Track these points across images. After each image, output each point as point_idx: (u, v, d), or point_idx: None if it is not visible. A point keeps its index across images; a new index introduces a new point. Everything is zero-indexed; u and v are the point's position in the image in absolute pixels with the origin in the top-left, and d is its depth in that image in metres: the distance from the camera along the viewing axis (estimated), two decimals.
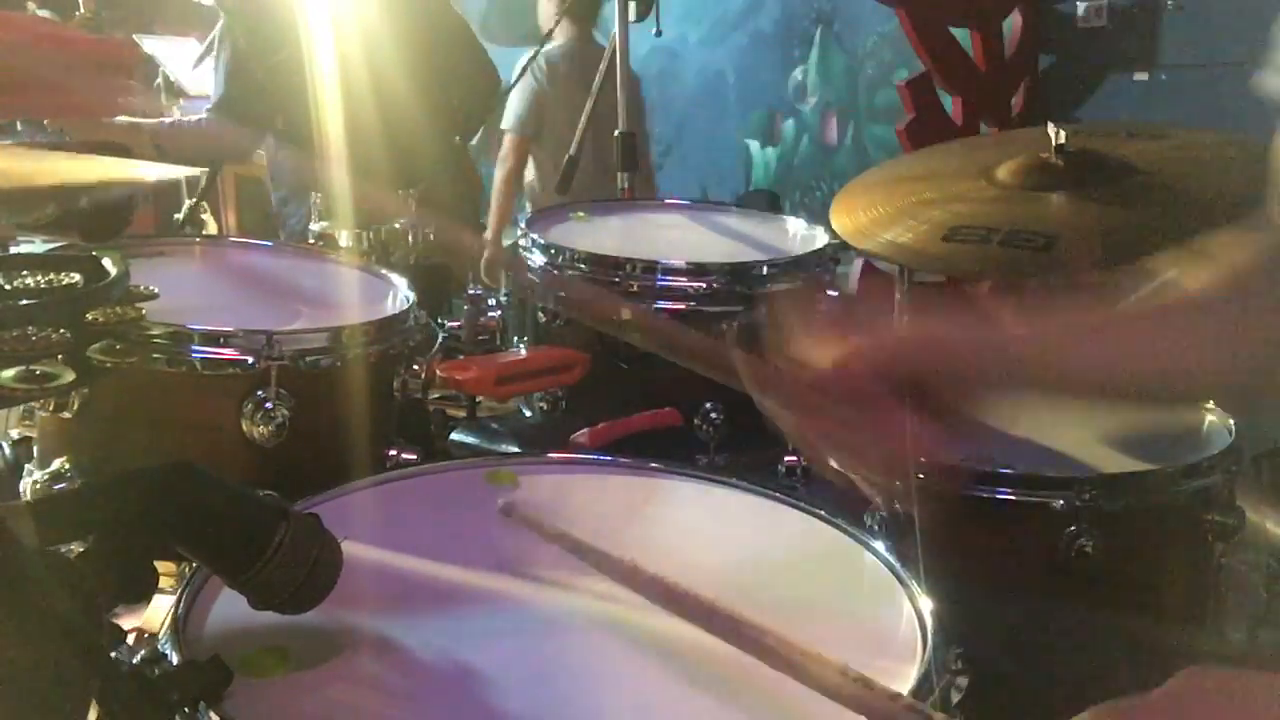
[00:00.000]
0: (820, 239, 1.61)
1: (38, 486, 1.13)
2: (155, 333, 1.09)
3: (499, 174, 3.83)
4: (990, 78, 3.60)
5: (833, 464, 0.88)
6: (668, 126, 5.28)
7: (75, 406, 1.09)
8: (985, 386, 0.88)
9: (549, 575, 0.89)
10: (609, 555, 0.85)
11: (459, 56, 2.83)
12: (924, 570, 0.88)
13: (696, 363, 1.03)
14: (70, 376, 0.69)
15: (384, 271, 1.45)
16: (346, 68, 2.00)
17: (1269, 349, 0.85)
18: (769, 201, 4.47)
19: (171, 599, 0.81)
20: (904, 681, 0.74)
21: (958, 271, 2.71)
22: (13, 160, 0.70)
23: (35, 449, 1.21)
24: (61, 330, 0.69)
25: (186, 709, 0.67)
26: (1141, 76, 3.56)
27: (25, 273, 0.73)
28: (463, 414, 1.64)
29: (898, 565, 0.90)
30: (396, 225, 1.62)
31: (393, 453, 1.23)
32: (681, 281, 1.43)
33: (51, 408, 1.12)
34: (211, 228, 3.24)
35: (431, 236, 1.64)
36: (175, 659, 0.73)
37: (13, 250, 1.00)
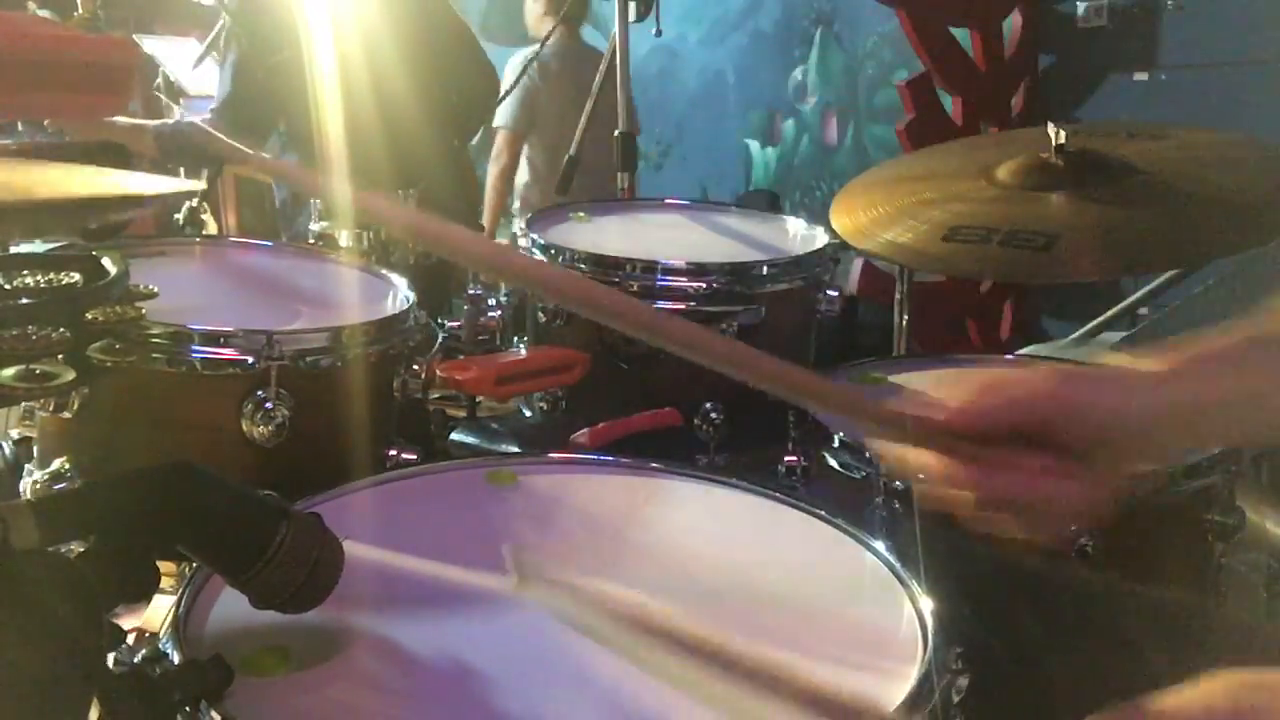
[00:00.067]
0: (820, 239, 1.61)
1: (38, 486, 1.13)
2: (155, 332, 1.09)
3: (493, 170, 3.86)
4: (990, 78, 3.60)
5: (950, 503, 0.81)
6: (668, 126, 5.29)
7: (75, 406, 1.09)
8: (1132, 431, 0.80)
9: (548, 575, 0.89)
10: None
11: (459, 57, 2.83)
12: (924, 570, 0.88)
13: (813, 402, 0.97)
14: (70, 376, 0.69)
15: (384, 271, 1.45)
16: (346, 68, 2.00)
17: None
18: (769, 201, 4.47)
19: (172, 599, 0.81)
20: (904, 681, 0.75)
21: (958, 271, 2.72)
22: (14, 174, 0.70)
23: (35, 449, 1.21)
24: (61, 329, 0.69)
25: (188, 708, 0.67)
26: (1141, 76, 3.56)
27: (25, 272, 0.73)
28: (463, 414, 1.64)
29: (898, 565, 0.90)
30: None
31: (393, 453, 1.23)
32: (681, 281, 1.43)
33: (51, 407, 1.12)
34: (211, 228, 3.23)
35: None
36: (176, 658, 0.73)
37: (13, 250, 1.00)
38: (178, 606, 0.79)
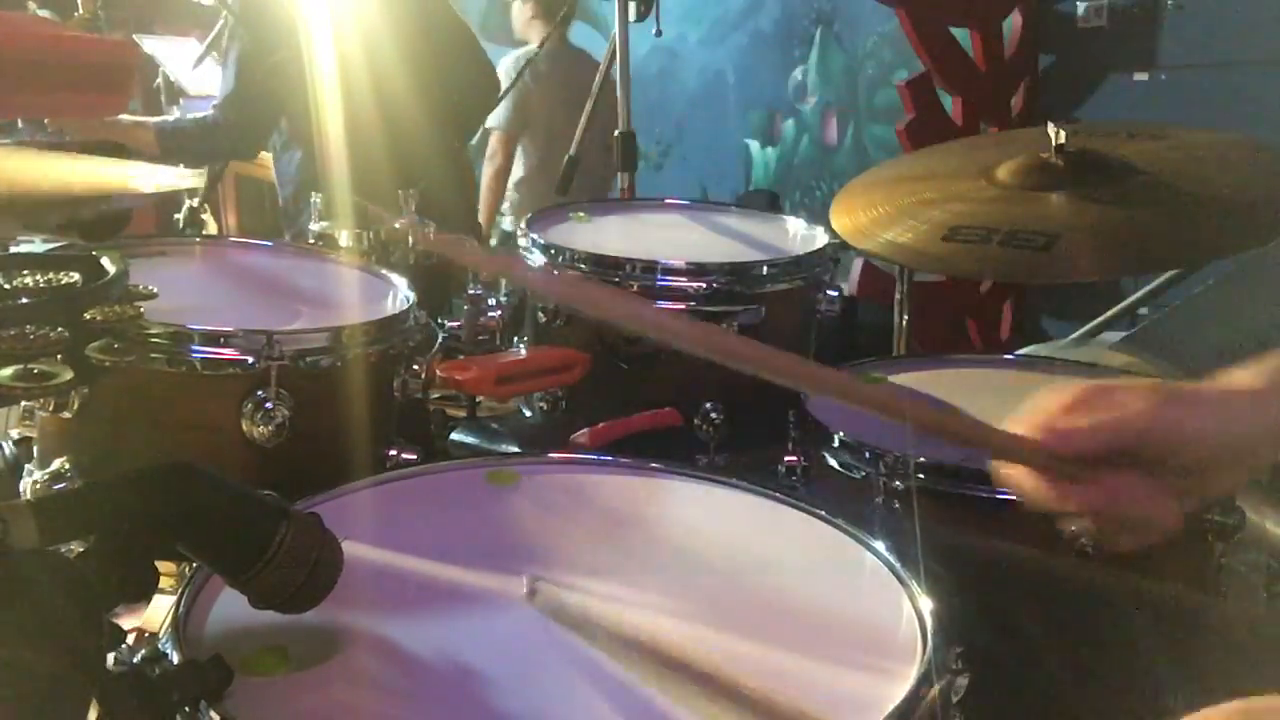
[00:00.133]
0: (820, 239, 1.61)
1: (38, 486, 1.13)
2: (155, 332, 1.09)
3: (488, 171, 3.89)
4: (990, 78, 3.60)
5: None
6: (668, 126, 5.29)
7: (75, 406, 1.09)
8: (1230, 452, 0.81)
9: (548, 575, 0.89)
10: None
11: (459, 57, 2.83)
12: (924, 570, 0.88)
13: (898, 418, 0.96)
14: (69, 375, 0.69)
15: (384, 271, 1.45)
16: (346, 68, 2.00)
17: None
18: (769, 201, 4.47)
19: (172, 599, 0.81)
20: (904, 681, 0.75)
21: (958, 271, 2.72)
22: (15, 164, 0.70)
23: (35, 449, 1.21)
24: (60, 329, 0.69)
25: (187, 708, 0.67)
26: (1141, 76, 3.56)
27: (24, 272, 0.73)
28: (463, 414, 1.63)
29: (898, 565, 0.90)
30: (396, 225, 1.62)
31: (393, 453, 1.23)
32: (681, 281, 1.43)
33: (51, 407, 1.12)
34: (212, 228, 3.24)
35: (431, 236, 1.63)
36: (176, 658, 0.73)
37: (13, 250, 1.00)
38: (177, 606, 0.79)
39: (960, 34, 3.57)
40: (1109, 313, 3.12)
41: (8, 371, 0.67)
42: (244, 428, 1.12)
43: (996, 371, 1.55)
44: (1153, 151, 1.54)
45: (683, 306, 1.41)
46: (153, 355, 1.09)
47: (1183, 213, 1.42)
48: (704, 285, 1.42)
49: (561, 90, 3.77)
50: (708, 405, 1.41)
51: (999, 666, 0.88)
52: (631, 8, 2.32)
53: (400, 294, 1.36)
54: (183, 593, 0.81)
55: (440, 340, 1.35)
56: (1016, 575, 1.16)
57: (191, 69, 3.34)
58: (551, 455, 1.15)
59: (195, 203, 2.54)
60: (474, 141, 3.83)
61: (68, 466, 1.12)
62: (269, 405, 1.11)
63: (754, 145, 5.05)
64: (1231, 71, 3.31)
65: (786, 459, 1.25)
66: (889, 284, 2.15)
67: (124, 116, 2.48)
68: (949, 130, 3.43)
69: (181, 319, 1.11)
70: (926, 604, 0.84)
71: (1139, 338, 2.65)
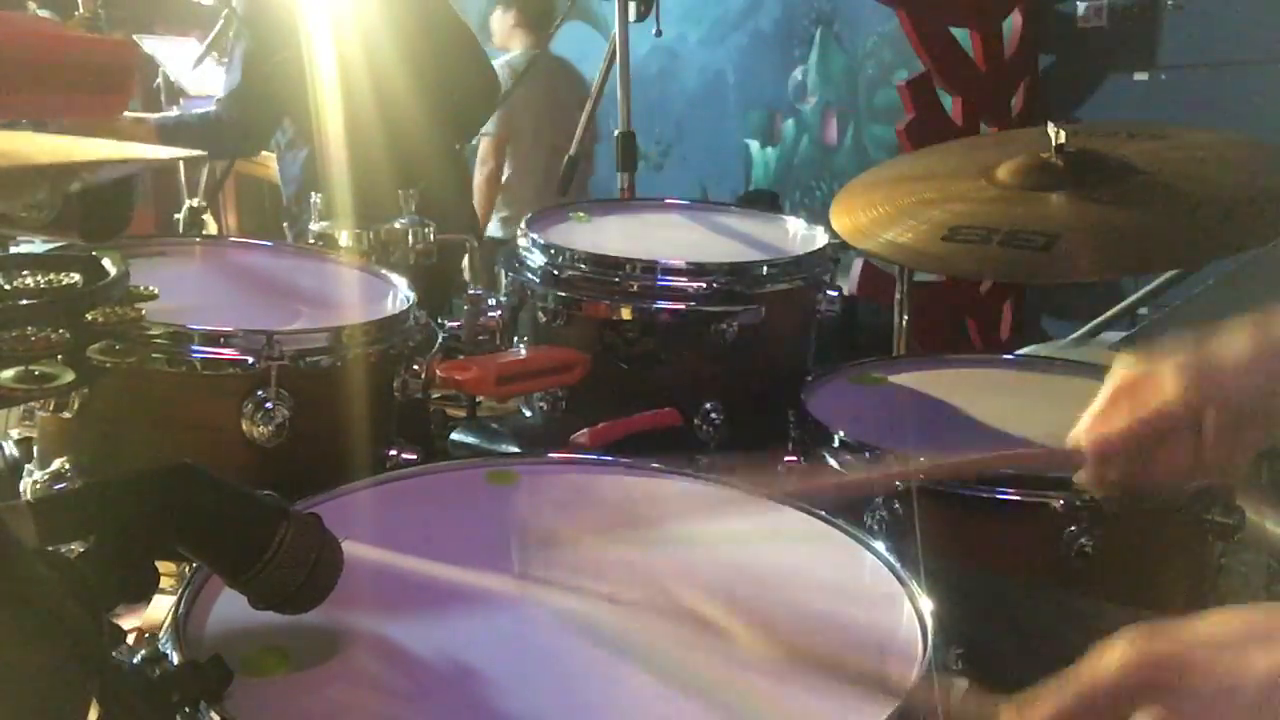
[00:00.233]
0: (820, 239, 1.61)
1: (38, 486, 1.13)
2: (155, 333, 1.09)
3: (480, 175, 3.95)
4: (990, 78, 3.60)
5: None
6: (668, 126, 5.29)
7: (75, 406, 1.09)
8: (1264, 414, 0.89)
9: (549, 575, 0.89)
10: None
11: (459, 57, 2.83)
12: (924, 570, 0.88)
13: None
14: (70, 376, 0.69)
15: (384, 271, 1.45)
16: (347, 68, 2.00)
17: None
18: (769, 201, 4.47)
19: (171, 599, 0.81)
20: (904, 682, 0.75)
21: (958, 271, 2.72)
22: (8, 141, 0.70)
23: (35, 449, 1.21)
24: (61, 330, 0.69)
25: (187, 709, 0.67)
26: (1141, 76, 3.57)
27: (25, 273, 0.73)
28: (463, 414, 1.63)
29: (898, 565, 0.90)
30: (396, 225, 1.62)
31: (393, 453, 1.23)
32: (681, 281, 1.43)
33: (51, 408, 1.12)
34: (212, 228, 3.24)
35: (431, 236, 1.64)
36: (175, 659, 0.73)
37: (13, 250, 1.00)
38: (178, 607, 0.79)
39: (960, 34, 3.57)
40: (1109, 313, 3.12)
41: (9, 373, 0.67)
42: (244, 428, 1.12)
43: (996, 371, 1.55)
44: (1153, 151, 1.54)
45: (683, 306, 1.41)
46: (153, 356, 1.09)
47: (1183, 213, 1.42)
48: (704, 285, 1.42)
49: (544, 98, 3.83)
50: (708, 405, 1.41)
51: (999, 667, 0.88)
52: (631, 8, 2.32)
53: (400, 294, 1.36)
54: (183, 593, 0.81)
55: (440, 340, 1.35)
56: (1016, 575, 1.16)
57: (191, 69, 3.34)
58: (551, 455, 1.15)
59: (196, 202, 2.54)
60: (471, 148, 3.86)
61: (68, 466, 1.12)
62: (269, 405, 1.11)
63: (754, 145, 5.05)
64: (1231, 71, 3.31)
65: (786, 459, 1.25)
66: (889, 284, 2.15)
67: (125, 113, 2.48)
68: (949, 130, 3.43)
69: (181, 319, 1.11)
70: (926, 604, 0.84)
71: (1139, 338, 2.65)
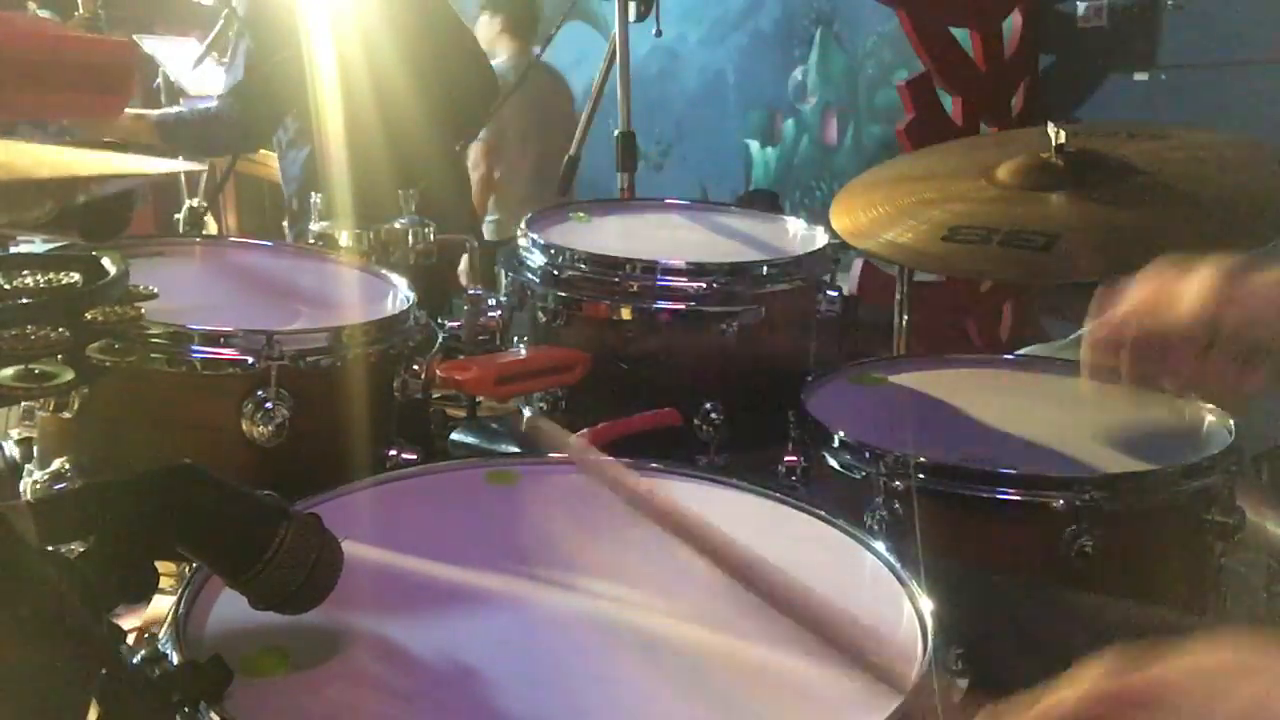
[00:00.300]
0: (820, 239, 1.61)
1: (38, 486, 1.13)
2: (155, 332, 1.09)
3: (473, 178, 3.96)
4: (990, 78, 3.60)
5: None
6: (668, 126, 5.29)
7: (75, 406, 1.09)
8: None
9: (549, 575, 0.89)
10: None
11: (459, 58, 2.83)
12: (924, 570, 0.88)
13: None
14: (69, 375, 0.69)
15: (384, 271, 1.45)
16: (347, 69, 2.00)
17: None
18: (769, 201, 4.47)
19: (171, 599, 0.81)
20: (904, 682, 0.75)
21: (958, 271, 2.72)
22: (10, 154, 0.70)
23: (35, 449, 1.21)
24: (61, 329, 0.69)
25: (187, 709, 0.67)
26: (1141, 76, 3.56)
27: (25, 272, 0.73)
28: (463, 414, 1.63)
29: (898, 565, 0.90)
30: (396, 225, 1.62)
31: (393, 453, 1.23)
32: (681, 281, 1.43)
33: (51, 407, 1.12)
34: (212, 229, 3.24)
35: (431, 236, 1.64)
36: (175, 659, 0.73)
37: (13, 250, 1.00)
38: (178, 607, 0.79)
39: (960, 34, 3.57)
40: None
41: (9, 372, 0.67)
42: (244, 428, 1.12)
43: (996, 371, 1.55)
44: (1153, 151, 1.55)
45: (683, 306, 1.41)
46: (153, 355, 1.09)
47: (1182, 213, 1.42)
48: (704, 285, 1.42)
49: (531, 104, 3.85)
50: (708, 405, 1.41)
51: (1000, 667, 0.88)
52: (631, 8, 2.32)
53: (400, 294, 1.36)
54: (183, 593, 0.81)
55: (440, 340, 1.35)
56: (1016, 576, 1.16)
57: (191, 69, 3.34)
58: (551, 455, 1.15)
59: (196, 203, 2.53)
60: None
61: (68, 466, 1.12)
62: (269, 405, 1.11)
63: (754, 145, 5.04)
64: (1231, 71, 3.31)
65: (786, 459, 1.25)
66: (889, 284, 2.15)
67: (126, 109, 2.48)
68: (949, 130, 3.43)
69: (181, 319, 1.11)
70: (926, 604, 0.84)
71: None
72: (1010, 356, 1.64)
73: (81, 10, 2.75)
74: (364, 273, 1.47)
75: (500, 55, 3.99)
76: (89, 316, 0.71)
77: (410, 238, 1.61)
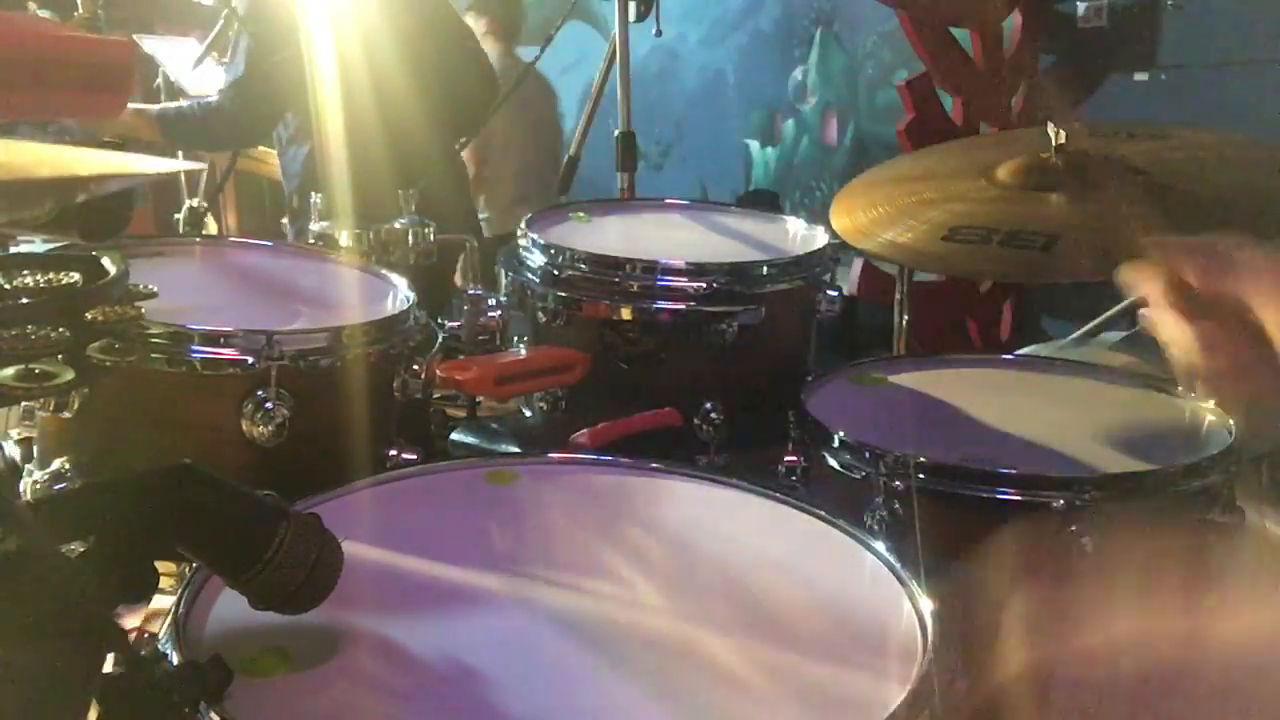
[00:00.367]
0: (820, 239, 1.61)
1: (38, 486, 1.13)
2: (155, 332, 1.09)
3: None
4: (990, 78, 3.60)
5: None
6: (668, 126, 5.29)
7: (75, 406, 1.09)
8: None
9: (549, 575, 0.90)
10: None
11: (459, 57, 2.83)
12: (924, 570, 0.88)
13: None
14: (70, 375, 0.69)
15: (384, 271, 1.45)
16: (347, 68, 2.00)
17: None
18: (769, 201, 4.48)
19: (171, 599, 0.81)
20: (904, 682, 0.75)
21: (958, 271, 2.72)
22: (10, 154, 0.70)
23: (35, 449, 1.21)
24: (61, 329, 0.69)
25: (187, 709, 0.67)
26: (1141, 76, 3.56)
27: (25, 272, 0.73)
28: (463, 414, 1.63)
29: (898, 565, 0.90)
30: (396, 225, 1.62)
31: (393, 453, 1.23)
32: (681, 281, 1.42)
33: (51, 407, 1.12)
34: (212, 228, 3.24)
35: (431, 236, 1.64)
36: (175, 659, 0.73)
37: (13, 250, 1.00)
38: (177, 607, 0.79)
39: (960, 34, 3.57)
40: (1109, 313, 3.12)
41: (9, 372, 0.67)
42: (244, 428, 1.12)
43: (996, 371, 1.55)
44: (1153, 151, 1.55)
45: (683, 306, 1.41)
46: (153, 355, 1.09)
47: (1182, 212, 1.42)
48: (704, 285, 1.42)
49: (517, 107, 3.87)
50: (708, 405, 1.41)
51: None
52: (631, 8, 2.32)
53: (400, 294, 1.36)
54: (183, 593, 0.81)
55: (440, 340, 1.35)
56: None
57: (191, 69, 3.34)
58: (551, 455, 1.15)
59: (196, 202, 2.53)
60: None
61: (68, 466, 1.12)
62: (269, 405, 1.11)
63: (754, 145, 5.05)
64: (1231, 71, 3.31)
65: (786, 459, 1.25)
66: (889, 284, 2.16)
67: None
68: (949, 130, 3.43)
69: (181, 319, 1.11)
70: (926, 604, 0.84)
71: (1139, 338, 2.65)
72: (1010, 356, 1.64)
73: (81, 10, 2.75)
74: (364, 273, 1.47)
75: None
76: (89, 316, 0.71)
77: (410, 238, 1.61)
